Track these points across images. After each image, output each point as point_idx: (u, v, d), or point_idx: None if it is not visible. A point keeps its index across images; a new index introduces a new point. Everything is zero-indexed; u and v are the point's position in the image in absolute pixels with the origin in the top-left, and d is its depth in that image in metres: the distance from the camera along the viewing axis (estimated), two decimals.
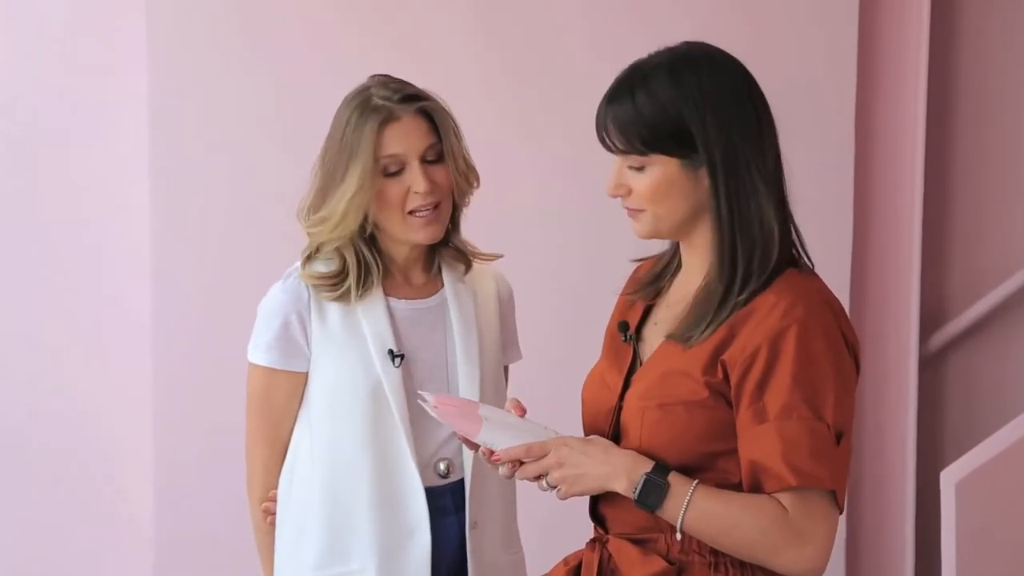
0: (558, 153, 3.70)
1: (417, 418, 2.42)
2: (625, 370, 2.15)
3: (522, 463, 2.05)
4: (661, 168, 2.03)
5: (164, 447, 3.60)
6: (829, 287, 2.09)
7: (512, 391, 2.58)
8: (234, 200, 3.60)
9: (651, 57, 2.07)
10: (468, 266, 2.53)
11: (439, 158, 2.42)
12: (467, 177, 2.46)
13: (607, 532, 2.14)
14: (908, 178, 3.99)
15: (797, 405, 1.95)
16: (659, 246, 2.23)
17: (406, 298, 2.48)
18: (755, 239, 2.02)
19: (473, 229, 2.56)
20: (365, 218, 2.39)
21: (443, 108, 2.43)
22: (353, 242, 2.42)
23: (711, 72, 2.04)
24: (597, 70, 3.52)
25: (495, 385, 2.53)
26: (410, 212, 2.39)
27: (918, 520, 4.02)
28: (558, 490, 2.04)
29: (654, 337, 2.15)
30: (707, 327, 2.03)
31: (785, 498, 1.95)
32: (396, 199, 2.39)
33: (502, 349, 2.60)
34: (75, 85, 3.60)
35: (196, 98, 3.56)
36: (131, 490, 3.65)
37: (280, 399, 2.48)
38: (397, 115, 2.38)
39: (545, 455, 2.04)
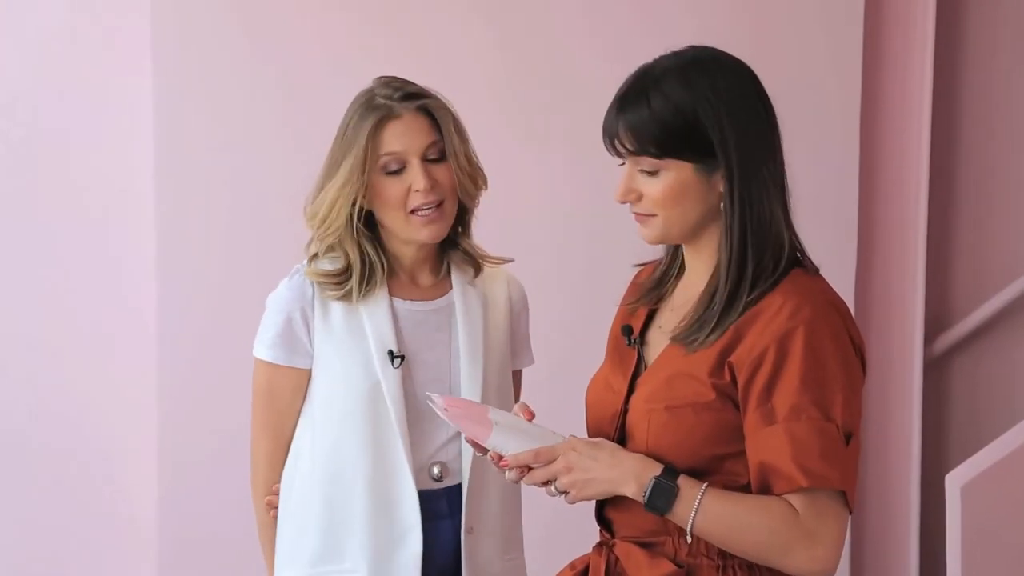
0: (563, 155, 3.70)
1: (415, 420, 2.42)
2: (630, 374, 2.14)
3: (530, 468, 2.04)
4: (675, 172, 2.02)
5: (168, 447, 3.59)
6: (834, 288, 2.08)
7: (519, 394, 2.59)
8: (238, 199, 3.60)
9: (658, 61, 2.06)
10: (477, 269, 2.53)
11: (441, 156, 2.41)
12: (472, 177, 2.45)
13: (613, 536, 2.13)
14: (913, 181, 3.99)
15: (806, 406, 1.94)
16: (661, 250, 2.22)
17: (411, 299, 2.48)
18: (765, 242, 2.02)
19: (476, 231, 2.55)
20: (360, 213, 2.39)
21: (445, 106, 2.43)
22: (356, 239, 2.41)
23: (722, 75, 2.04)
24: (602, 71, 3.53)
25: (499, 390, 2.52)
26: (412, 211, 2.39)
27: (923, 523, 4.02)
28: (566, 495, 2.03)
29: (658, 340, 2.14)
30: (713, 330, 2.02)
31: (795, 499, 1.95)
32: (397, 198, 2.38)
33: (511, 354, 2.59)
34: (76, 85, 3.60)
35: (200, 97, 3.56)
36: (132, 490, 3.64)
37: (283, 395, 2.48)
38: (397, 113, 2.37)
39: (553, 460, 2.03)
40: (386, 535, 2.42)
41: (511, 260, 2.58)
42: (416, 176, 2.37)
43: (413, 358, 2.45)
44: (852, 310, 2.11)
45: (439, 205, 2.40)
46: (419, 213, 2.39)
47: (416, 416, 2.42)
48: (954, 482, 3.36)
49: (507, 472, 2.05)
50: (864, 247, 3.98)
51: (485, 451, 2.08)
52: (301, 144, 3.45)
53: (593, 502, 2.14)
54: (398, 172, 2.38)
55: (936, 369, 4.17)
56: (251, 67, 3.58)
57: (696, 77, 2.02)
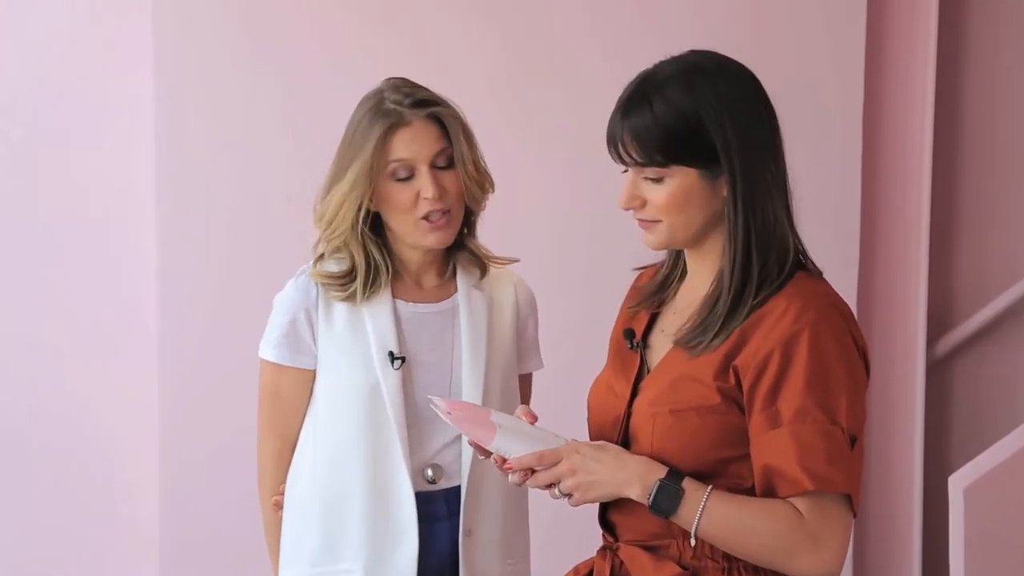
0: (564, 155, 3.69)
1: (414, 422, 2.42)
2: (633, 377, 2.14)
3: (533, 471, 2.03)
4: (680, 179, 2.01)
5: (169, 447, 3.59)
6: (837, 291, 2.08)
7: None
8: (238, 199, 3.59)
9: (659, 67, 2.06)
10: (483, 271, 2.52)
11: (449, 164, 2.41)
12: (479, 183, 2.45)
13: (616, 540, 2.13)
14: (915, 182, 3.99)
15: (811, 409, 1.94)
16: (662, 253, 2.21)
17: (415, 301, 2.48)
18: (770, 245, 2.02)
19: (479, 232, 2.55)
20: (366, 216, 2.39)
21: (455, 114, 2.42)
22: (361, 242, 2.42)
23: (724, 79, 2.03)
24: (602, 71, 3.55)
25: (502, 393, 2.51)
26: (422, 218, 2.39)
27: (925, 525, 4.02)
28: (570, 497, 2.03)
29: (661, 344, 2.14)
30: (717, 335, 2.02)
31: (800, 502, 1.95)
32: (406, 204, 2.38)
33: (518, 358, 2.58)
34: (76, 85, 3.60)
35: (201, 97, 3.56)
36: (133, 490, 3.64)
37: (288, 395, 2.49)
38: (407, 120, 2.37)
39: (557, 463, 2.02)
40: (382, 536, 2.43)
41: (516, 260, 2.58)
42: (425, 184, 2.37)
43: (414, 359, 2.45)
44: (854, 312, 2.12)
45: (447, 212, 2.40)
46: (427, 219, 2.39)
47: (416, 418, 2.42)
48: (957, 484, 3.36)
49: (510, 475, 2.05)
50: (866, 248, 3.97)
51: (488, 454, 2.07)
52: (301, 144, 3.46)
53: (595, 506, 2.13)
54: (407, 178, 2.38)
55: (938, 371, 4.17)
56: (251, 67, 3.57)
57: (699, 82, 2.01)
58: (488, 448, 2.06)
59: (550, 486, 2.03)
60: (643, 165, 2.02)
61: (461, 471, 2.46)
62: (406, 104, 2.37)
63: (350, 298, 2.42)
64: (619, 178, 2.09)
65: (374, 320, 2.43)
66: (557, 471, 2.02)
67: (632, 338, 2.17)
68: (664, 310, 2.19)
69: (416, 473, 2.43)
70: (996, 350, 4.17)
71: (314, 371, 2.47)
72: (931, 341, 4.08)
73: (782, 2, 3.84)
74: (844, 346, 1.98)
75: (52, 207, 3.61)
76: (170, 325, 3.58)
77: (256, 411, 2.56)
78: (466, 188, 2.42)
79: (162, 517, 3.61)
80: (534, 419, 2.12)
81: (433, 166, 2.39)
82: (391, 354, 2.42)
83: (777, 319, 1.98)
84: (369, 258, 2.42)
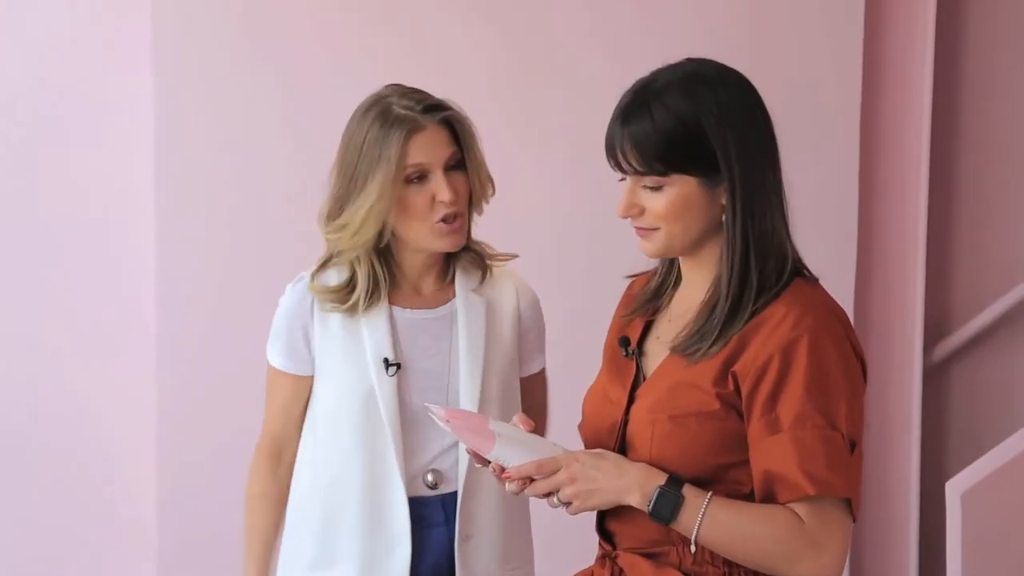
0: (564, 155, 3.69)
1: (410, 427, 2.43)
2: (629, 384, 2.14)
3: (532, 480, 2.03)
4: (679, 187, 2.01)
5: (168, 448, 3.59)
6: (834, 296, 2.09)
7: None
8: (238, 200, 3.59)
9: (657, 75, 2.06)
10: (484, 272, 2.53)
11: (458, 167, 2.41)
12: (484, 185, 2.46)
13: (614, 548, 2.13)
14: (912, 189, 3.99)
15: (811, 414, 1.95)
16: (655, 260, 2.21)
17: (413, 307, 2.48)
18: (768, 253, 2.03)
19: (477, 232, 2.55)
20: (383, 227, 2.39)
21: (465, 118, 2.43)
22: (368, 253, 2.42)
23: (725, 88, 2.03)
24: (602, 71, 3.56)
25: (501, 398, 2.51)
26: (437, 221, 2.39)
27: (922, 530, 4.01)
28: (568, 506, 2.02)
29: (657, 351, 2.14)
30: (715, 341, 2.02)
31: (800, 508, 1.95)
32: (422, 208, 2.38)
33: (520, 360, 2.58)
34: (76, 85, 3.59)
35: (200, 98, 3.55)
36: (132, 490, 3.64)
37: (283, 398, 2.52)
38: (422, 125, 2.37)
39: (556, 471, 2.01)
40: (376, 542, 2.43)
41: (516, 256, 2.58)
42: (441, 187, 2.37)
43: (411, 365, 2.45)
44: (852, 317, 2.12)
45: (460, 214, 2.41)
46: (444, 223, 2.39)
47: (412, 423, 2.43)
48: (954, 489, 3.36)
49: (508, 484, 2.04)
50: (864, 253, 3.98)
51: (486, 463, 2.07)
52: (301, 144, 3.46)
53: (594, 513, 2.13)
54: (418, 183, 2.38)
55: (935, 376, 4.17)
56: (251, 67, 3.57)
57: (699, 89, 2.01)
58: (487, 457, 2.05)
59: (548, 495, 2.02)
60: (643, 174, 2.01)
61: (458, 476, 2.46)
62: (418, 110, 2.37)
63: (350, 310, 2.43)
64: (618, 191, 2.08)
65: (370, 327, 2.43)
66: (556, 480, 2.01)
67: (627, 345, 2.17)
68: (658, 318, 2.19)
69: (413, 478, 2.44)
70: (993, 356, 4.18)
71: (309, 377, 2.49)
72: (928, 346, 4.09)
73: (780, 3, 3.85)
74: (843, 351, 1.99)
75: (52, 207, 3.60)
76: (169, 325, 3.57)
77: (255, 410, 2.58)
78: (474, 190, 2.44)
79: (161, 517, 3.61)
80: (531, 427, 2.11)
81: (445, 170, 2.39)
82: (386, 360, 2.42)
83: (776, 325, 1.98)
84: (372, 269, 2.43)
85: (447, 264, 2.52)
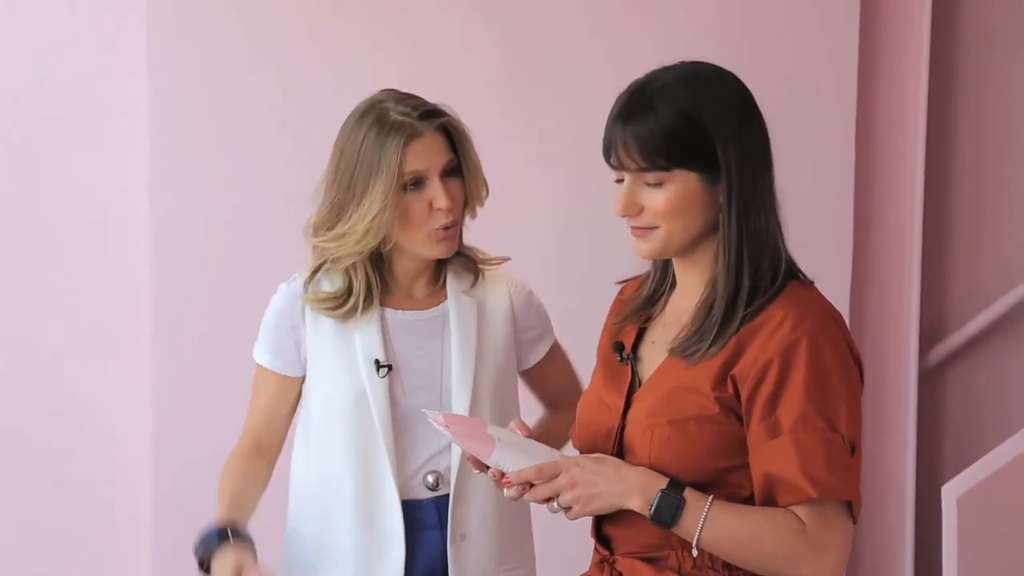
0: (563, 155, 3.69)
1: (402, 429, 2.42)
2: (625, 389, 2.14)
3: (531, 485, 2.02)
4: (680, 183, 2.01)
5: (164, 448, 3.59)
6: (829, 300, 2.09)
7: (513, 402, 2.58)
8: (235, 200, 3.59)
9: (655, 75, 2.06)
10: (476, 276, 2.52)
11: (453, 172, 2.41)
12: (479, 190, 2.46)
13: (612, 553, 2.13)
14: (908, 192, 4.00)
15: (812, 417, 1.95)
16: (646, 264, 2.21)
17: (404, 309, 2.48)
18: (763, 252, 2.03)
19: (475, 232, 2.55)
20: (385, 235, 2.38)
21: (460, 124, 2.43)
22: (365, 260, 2.41)
23: (722, 86, 2.05)
24: (601, 70, 3.56)
25: (494, 398, 2.50)
26: (436, 228, 2.39)
27: (918, 534, 4.02)
28: (568, 511, 2.02)
29: (652, 356, 2.14)
30: (713, 342, 2.02)
31: (801, 510, 1.95)
32: (419, 215, 2.37)
33: (525, 353, 2.58)
34: (76, 85, 3.59)
35: (197, 98, 3.55)
36: (131, 490, 3.64)
37: (268, 398, 2.50)
38: (420, 131, 2.36)
39: (556, 476, 2.01)
40: (370, 544, 2.43)
41: (507, 259, 2.57)
42: (438, 194, 2.37)
43: (403, 366, 2.45)
44: (847, 320, 2.12)
45: (456, 221, 2.41)
46: (441, 230, 2.39)
47: (405, 425, 2.43)
48: (950, 493, 3.36)
49: (507, 489, 2.03)
50: (859, 257, 3.98)
51: (485, 468, 2.06)
52: (300, 144, 3.45)
53: (589, 518, 2.12)
54: (415, 190, 2.37)
55: (931, 380, 4.17)
56: (249, 67, 3.57)
57: (700, 86, 2.03)
58: (487, 462, 2.04)
59: (548, 500, 2.02)
60: (645, 170, 2.02)
61: (450, 479, 2.46)
62: (415, 116, 2.36)
63: (346, 316, 2.42)
64: (616, 179, 2.09)
65: (362, 329, 2.43)
66: (556, 484, 2.01)
67: (622, 351, 2.17)
68: (652, 323, 2.19)
69: (408, 481, 2.43)
70: (988, 360, 4.18)
71: (297, 379, 2.48)
72: (923, 350, 4.09)
73: (778, 5, 3.85)
74: (841, 354, 2.00)
75: (52, 207, 3.60)
76: (165, 326, 3.57)
77: None
78: (470, 195, 2.44)
79: (157, 517, 3.61)
80: (528, 432, 2.12)
81: (441, 176, 2.39)
82: (377, 362, 2.42)
83: (774, 329, 1.99)
84: (367, 275, 2.42)
85: (438, 268, 2.51)
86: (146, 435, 3.59)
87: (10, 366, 3.63)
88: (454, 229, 2.41)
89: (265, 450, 2.51)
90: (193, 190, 3.57)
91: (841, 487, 1.95)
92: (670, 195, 2.02)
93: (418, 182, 2.37)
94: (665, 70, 2.06)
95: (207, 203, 3.58)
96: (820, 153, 3.82)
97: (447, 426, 2.07)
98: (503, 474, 2.03)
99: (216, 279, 3.59)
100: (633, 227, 2.07)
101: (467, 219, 2.49)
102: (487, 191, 2.48)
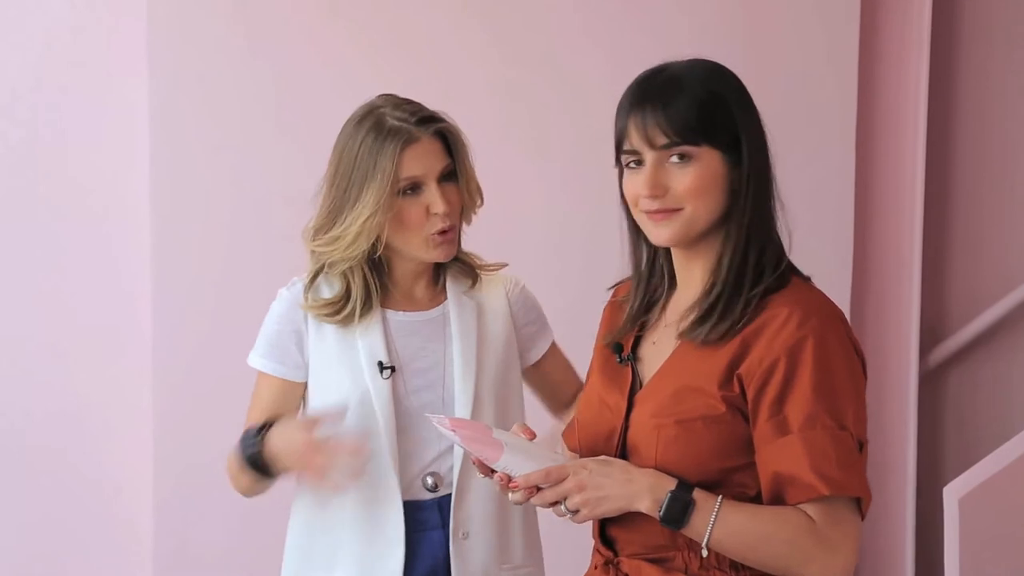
0: (561, 156, 3.69)
1: (405, 431, 2.43)
2: (627, 390, 2.13)
3: (538, 488, 2.02)
4: (707, 161, 2.01)
5: (164, 448, 3.59)
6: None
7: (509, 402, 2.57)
8: (235, 200, 3.59)
9: (666, 64, 2.07)
10: (475, 280, 2.53)
11: (450, 178, 2.42)
12: (473, 197, 2.47)
13: (616, 554, 2.12)
14: (908, 193, 4.00)
15: (820, 415, 1.95)
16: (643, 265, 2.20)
17: (405, 310, 2.49)
18: (768, 238, 2.05)
19: (474, 234, 2.56)
20: (377, 238, 2.39)
21: (457, 129, 2.44)
22: (362, 264, 2.42)
23: (732, 75, 2.07)
24: (599, 71, 3.55)
25: (495, 400, 2.50)
26: (433, 233, 2.39)
27: (918, 535, 4.01)
28: (575, 514, 2.01)
29: (653, 357, 2.14)
30: (722, 317, 2.01)
31: (811, 508, 1.95)
32: (416, 220, 2.38)
33: (526, 350, 2.59)
34: (75, 85, 3.60)
35: (197, 98, 3.55)
36: (131, 491, 3.64)
37: (268, 402, 2.50)
38: (416, 136, 2.37)
39: (564, 479, 2.00)
40: (372, 544, 2.43)
41: (505, 264, 2.58)
42: (435, 199, 2.38)
43: (406, 367, 2.45)
44: (848, 321, 2.11)
45: (453, 225, 2.42)
46: (438, 235, 2.40)
47: (408, 426, 2.43)
48: (952, 494, 3.36)
49: (513, 493, 2.03)
50: (860, 257, 3.98)
51: (491, 472, 2.05)
52: (298, 144, 3.46)
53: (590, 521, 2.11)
54: (412, 195, 2.38)
55: (931, 381, 4.17)
56: (249, 67, 3.57)
57: (714, 71, 2.05)
58: (494, 467, 2.03)
59: (555, 503, 2.02)
60: (674, 144, 2.00)
61: (453, 480, 2.46)
62: (412, 121, 2.37)
63: (346, 320, 2.43)
64: (616, 168, 2.09)
65: (364, 332, 2.43)
66: (564, 488, 2.00)
67: (620, 352, 2.17)
68: (653, 326, 2.18)
69: (410, 482, 2.44)
70: (989, 360, 4.18)
71: (300, 383, 2.49)
72: (924, 352, 4.09)
73: (778, 4, 3.85)
74: (847, 352, 2.00)
75: (52, 207, 3.60)
76: (165, 326, 3.57)
77: None
78: (465, 201, 2.44)
79: (157, 518, 3.61)
80: (532, 436, 2.11)
81: (437, 181, 2.40)
82: (380, 364, 2.42)
83: (780, 327, 1.99)
84: (365, 279, 2.43)
85: (437, 271, 2.53)
86: (146, 435, 3.59)
87: (10, 366, 3.63)
88: (452, 233, 2.42)
89: None
90: (193, 190, 3.57)
91: (852, 484, 1.94)
92: (698, 171, 2.01)
93: (415, 187, 2.38)
94: (673, 62, 2.07)
95: (207, 203, 3.58)
96: (820, 153, 3.82)
97: (454, 430, 2.06)
98: (510, 478, 2.02)
99: (216, 279, 3.59)
100: (654, 211, 2.05)
101: (470, 219, 2.51)
102: (481, 198, 2.49)
